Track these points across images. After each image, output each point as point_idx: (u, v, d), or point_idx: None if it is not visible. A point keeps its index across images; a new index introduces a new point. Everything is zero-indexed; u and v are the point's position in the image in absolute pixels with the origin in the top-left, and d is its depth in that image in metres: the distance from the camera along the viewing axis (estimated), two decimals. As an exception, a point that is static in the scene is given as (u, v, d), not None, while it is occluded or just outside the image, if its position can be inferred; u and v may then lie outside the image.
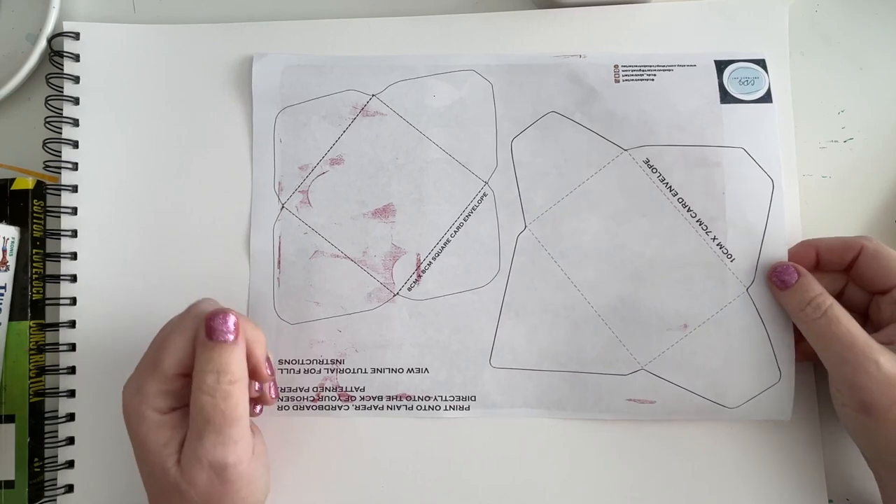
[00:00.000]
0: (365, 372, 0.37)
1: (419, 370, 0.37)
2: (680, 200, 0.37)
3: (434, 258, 0.38)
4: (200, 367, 0.28)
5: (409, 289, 0.38)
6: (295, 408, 0.37)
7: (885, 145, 0.39)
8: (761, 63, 0.38)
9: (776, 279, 0.35)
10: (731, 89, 0.37)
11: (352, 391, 0.37)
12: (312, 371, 0.37)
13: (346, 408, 0.37)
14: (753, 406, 0.35)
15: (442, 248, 0.38)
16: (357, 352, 0.37)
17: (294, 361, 0.37)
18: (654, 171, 0.37)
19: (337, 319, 0.37)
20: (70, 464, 0.37)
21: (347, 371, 0.37)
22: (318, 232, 0.38)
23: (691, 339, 0.36)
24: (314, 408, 0.37)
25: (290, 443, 0.38)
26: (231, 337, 0.28)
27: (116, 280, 0.38)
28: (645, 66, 0.38)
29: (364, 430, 0.37)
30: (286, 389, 0.37)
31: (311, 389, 0.37)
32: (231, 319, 0.28)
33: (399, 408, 0.37)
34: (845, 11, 0.40)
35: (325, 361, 0.37)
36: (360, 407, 0.37)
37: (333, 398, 0.37)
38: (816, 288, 0.33)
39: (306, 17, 0.40)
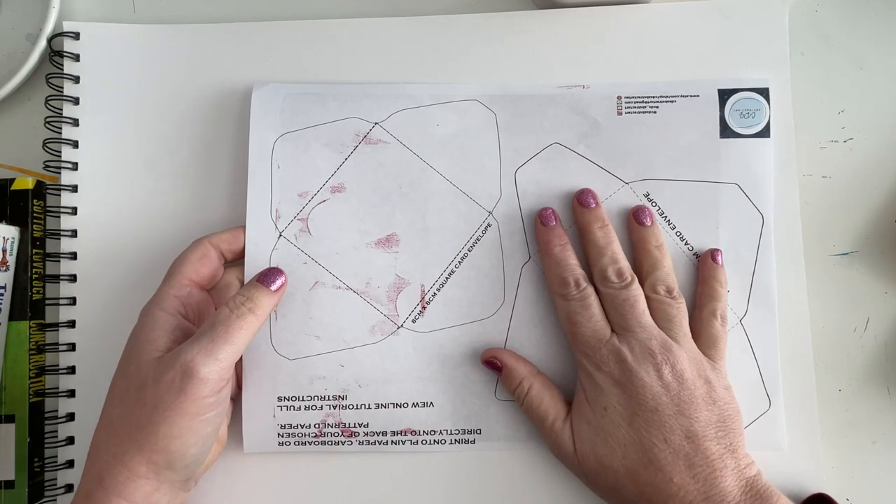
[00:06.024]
0: (369, 407, 0.36)
1: (424, 404, 0.37)
2: (678, 234, 0.38)
3: (439, 289, 0.37)
4: (239, 292, 0.33)
5: (414, 321, 0.37)
6: (297, 443, 0.36)
7: (885, 145, 0.39)
8: (764, 92, 0.38)
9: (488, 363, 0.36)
10: (732, 122, 0.38)
11: (355, 427, 0.36)
12: (314, 408, 0.36)
13: (350, 443, 0.36)
14: (747, 435, 0.37)
15: (447, 279, 0.37)
16: (360, 387, 0.36)
17: (294, 398, 0.36)
18: (654, 204, 0.38)
19: (339, 354, 0.36)
20: (70, 464, 0.37)
21: (351, 407, 0.36)
22: (318, 262, 0.37)
23: (689, 370, 0.37)
24: (316, 443, 0.36)
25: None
26: (273, 288, 0.34)
27: (116, 280, 0.38)
28: (647, 97, 0.38)
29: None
30: (286, 426, 0.36)
31: (312, 426, 0.36)
32: (280, 279, 0.34)
33: (404, 443, 0.36)
34: (845, 11, 0.40)
35: (326, 398, 0.36)
36: (364, 443, 0.36)
37: (336, 434, 0.36)
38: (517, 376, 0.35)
39: (306, 17, 0.40)
